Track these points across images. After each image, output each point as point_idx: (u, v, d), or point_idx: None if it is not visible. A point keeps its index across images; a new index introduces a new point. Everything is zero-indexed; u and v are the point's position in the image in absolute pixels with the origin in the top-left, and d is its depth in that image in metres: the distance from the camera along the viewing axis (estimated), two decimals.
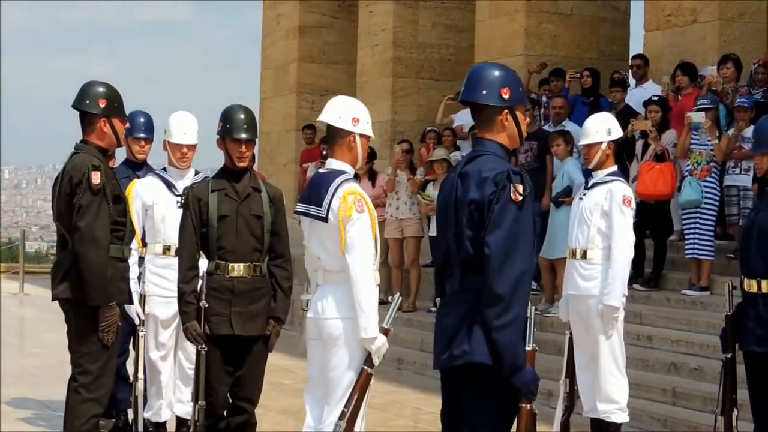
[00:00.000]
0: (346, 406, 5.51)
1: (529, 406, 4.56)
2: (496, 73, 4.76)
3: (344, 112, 5.75)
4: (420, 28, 17.88)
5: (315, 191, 5.70)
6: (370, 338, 5.53)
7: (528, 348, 4.62)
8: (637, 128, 11.64)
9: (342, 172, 5.69)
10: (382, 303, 14.31)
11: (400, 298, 5.87)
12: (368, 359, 5.58)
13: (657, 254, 11.54)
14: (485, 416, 4.60)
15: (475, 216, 4.58)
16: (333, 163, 5.74)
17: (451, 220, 4.69)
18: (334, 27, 20.58)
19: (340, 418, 5.48)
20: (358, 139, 5.73)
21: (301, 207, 5.77)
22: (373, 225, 5.67)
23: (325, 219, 5.60)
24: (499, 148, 4.76)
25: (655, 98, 12.01)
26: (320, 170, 5.87)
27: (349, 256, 5.54)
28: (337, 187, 5.60)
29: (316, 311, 5.67)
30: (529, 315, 4.66)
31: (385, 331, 5.62)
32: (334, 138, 5.75)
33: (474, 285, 4.57)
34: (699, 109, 11.27)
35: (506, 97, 4.73)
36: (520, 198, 4.55)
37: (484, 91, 4.72)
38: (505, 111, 4.75)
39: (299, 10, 20.54)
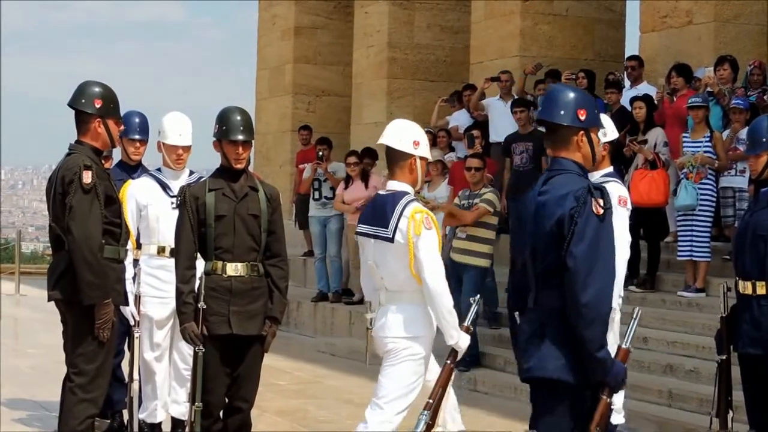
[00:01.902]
0: (431, 398, 5.77)
1: (608, 399, 4.79)
2: (573, 94, 4.94)
3: (405, 135, 6.02)
4: (415, 30, 17.88)
5: (379, 212, 5.97)
6: (456, 343, 5.92)
7: (624, 346, 4.94)
8: (636, 151, 11.61)
9: (405, 193, 5.96)
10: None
11: (481, 299, 6.30)
12: (451, 355, 5.90)
13: (651, 255, 11.55)
14: (552, 427, 4.82)
15: (555, 232, 4.75)
16: (394, 185, 6.01)
17: (529, 238, 4.88)
18: (330, 28, 20.57)
19: (426, 408, 5.73)
20: (418, 161, 6.01)
21: (363, 228, 6.06)
22: (439, 240, 5.92)
23: (391, 240, 5.87)
24: (575, 166, 4.94)
25: (639, 95, 12.04)
26: (381, 192, 6.12)
27: (423, 272, 5.82)
28: (403, 208, 5.87)
29: (382, 330, 6.02)
30: (633, 315, 5.01)
31: (466, 330, 6.01)
32: (395, 160, 6.02)
33: (547, 300, 4.80)
34: (690, 107, 11.29)
35: (582, 118, 4.91)
36: (602, 211, 4.73)
37: (562, 112, 4.90)
38: (581, 132, 4.93)
39: (294, 11, 20.54)
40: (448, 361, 5.90)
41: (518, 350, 5.02)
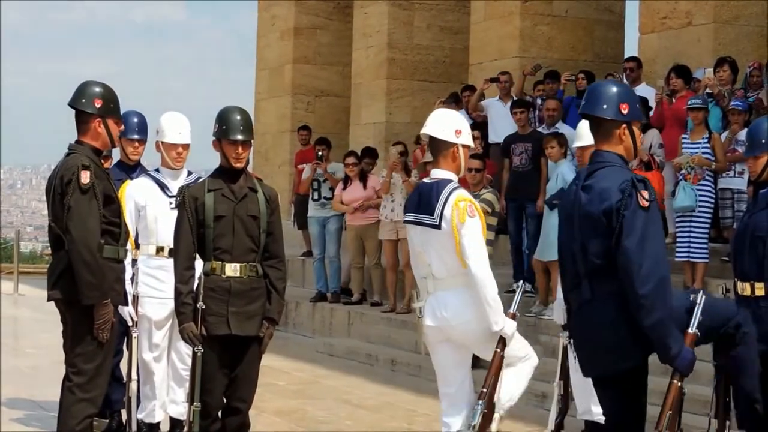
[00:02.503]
0: (484, 386, 5.95)
1: (679, 383, 5.03)
2: (616, 89, 5.15)
3: (447, 124, 6.13)
4: (415, 30, 17.90)
5: (424, 200, 6.06)
6: (502, 328, 5.99)
7: (690, 331, 5.14)
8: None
9: (449, 181, 6.04)
10: (376, 304, 14.40)
11: (524, 284, 6.41)
12: (500, 342, 6.00)
13: None
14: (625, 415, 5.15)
15: (603, 225, 4.93)
16: (438, 173, 6.11)
17: (576, 232, 5.05)
18: (329, 28, 20.58)
19: (480, 398, 5.93)
20: (461, 149, 6.10)
21: (411, 216, 6.15)
22: (484, 228, 6.02)
23: (438, 226, 5.95)
24: (618, 159, 5.11)
25: None
26: (426, 180, 6.22)
27: (468, 259, 5.90)
28: (448, 195, 5.95)
29: (435, 319, 6.10)
30: (698, 302, 5.19)
31: (512, 316, 6.12)
32: (438, 149, 6.13)
33: (606, 292, 4.99)
34: (690, 109, 11.30)
35: (625, 112, 5.10)
36: (647, 204, 4.91)
37: (605, 106, 5.10)
38: (624, 125, 5.12)
39: (294, 12, 20.55)
40: (498, 349, 6.02)
41: (582, 346, 5.22)
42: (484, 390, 5.95)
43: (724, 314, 5.61)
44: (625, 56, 14.56)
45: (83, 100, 6.40)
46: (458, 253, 5.93)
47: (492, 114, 14.33)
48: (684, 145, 11.32)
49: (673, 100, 12.30)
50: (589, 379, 7.65)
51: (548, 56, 15.36)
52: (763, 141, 6.43)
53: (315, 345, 13.97)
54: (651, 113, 12.49)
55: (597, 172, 5.06)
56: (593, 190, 4.99)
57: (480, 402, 5.92)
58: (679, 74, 12.30)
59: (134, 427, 7.73)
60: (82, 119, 6.41)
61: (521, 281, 6.60)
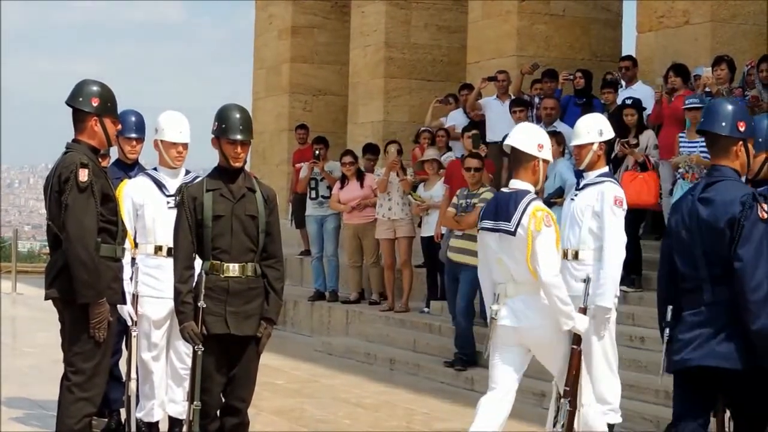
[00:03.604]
0: (566, 384, 6.32)
1: None
2: (732, 107, 5.51)
3: (531, 138, 6.49)
4: (412, 29, 17.89)
5: (502, 209, 6.40)
6: (574, 326, 6.31)
7: None
8: (628, 154, 11.63)
9: (527, 192, 6.39)
10: (374, 303, 14.40)
11: (590, 279, 6.75)
12: (576, 340, 6.35)
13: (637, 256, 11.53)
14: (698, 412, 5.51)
15: (727, 234, 5.28)
16: (517, 184, 6.47)
17: (697, 239, 5.40)
18: (327, 27, 20.58)
19: (564, 396, 6.31)
20: (541, 163, 6.48)
21: (488, 224, 6.49)
22: (557, 237, 6.38)
23: (513, 233, 6.29)
24: (734, 174, 5.48)
25: (628, 101, 12.05)
26: (505, 189, 6.60)
27: (539, 266, 6.23)
28: (527, 205, 6.29)
29: (515, 320, 6.37)
30: None
31: (582, 311, 6.46)
32: (519, 161, 6.49)
33: (724, 296, 5.31)
34: (687, 109, 11.30)
35: (742, 129, 5.48)
36: (767, 216, 5.28)
37: (723, 123, 5.46)
38: (740, 142, 5.49)
39: (291, 11, 20.55)
40: (575, 346, 6.35)
41: (675, 342, 5.47)
42: (567, 388, 6.30)
43: None
44: (623, 55, 14.54)
45: (80, 99, 6.40)
46: (528, 260, 6.26)
47: (490, 113, 14.33)
48: (681, 144, 11.33)
49: (672, 99, 12.30)
50: (589, 378, 7.67)
51: (546, 55, 15.37)
52: (760, 140, 6.44)
53: (313, 344, 13.97)
54: (649, 112, 12.51)
55: (715, 185, 5.41)
56: (714, 203, 5.34)
57: (564, 400, 6.28)
58: (678, 73, 12.30)
59: (133, 426, 7.72)
60: (79, 118, 6.41)
61: (587, 275, 6.88)
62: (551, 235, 6.29)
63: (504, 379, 6.52)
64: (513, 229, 6.29)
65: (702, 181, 5.56)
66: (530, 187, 6.44)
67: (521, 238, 6.27)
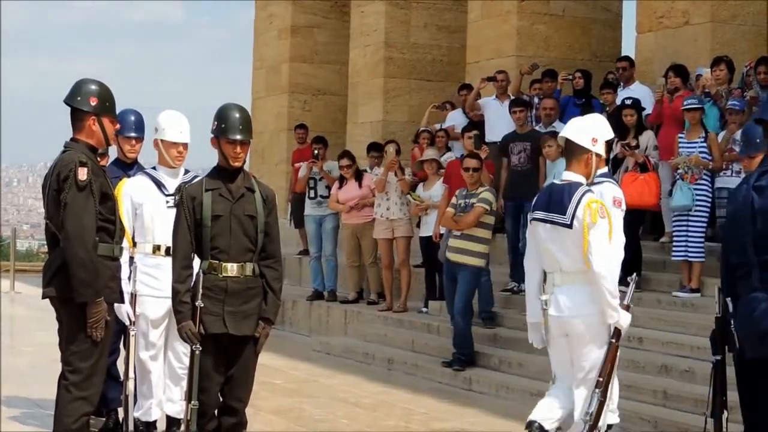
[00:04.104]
0: (600, 375, 6.40)
1: None
2: None
3: (585, 131, 6.62)
4: (412, 29, 17.88)
5: (555, 200, 6.50)
6: (617, 321, 6.42)
7: None
8: (628, 155, 11.63)
9: (580, 184, 6.50)
10: (373, 303, 14.39)
11: (637, 277, 6.85)
12: (615, 334, 6.44)
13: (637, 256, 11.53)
14: None
15: None
16: (570, 176, 6.58)
17: (748, 227, 5.49)
18: (326, 27, 20.58)
19: (597, 387, 6.37)
20: (594, 157, 6.59)
21: (539, 214, 6.59)
22: (611, 229, 6.45)
23: (570, 225, 6.38)
24: None
25: (628, 102, 12.04)
26: (557, 182, 6.69)
27: (591, 256, 6.32)
28: (581, 197, 6.39)
29: (559, 310, 6.50)
30: None
31: (626, 308, 6.51)
32: (573, 153, 6.61)
33: None
34: (686, 110, 11.31)
35: None
36: None
37: None
38: None
39: (291, 11, 20.54)
40: (613, 340, 6.44)
41: (749, 329, 5.58)
42: (600, 379, 6.38)
43: None
44: (621, 56, 14.53)
45: (78, 98, 6.39)
46: (584, 250, 6.35)
47: (489, 113, 14.33)
48: (680, 145, 11.33)
49: (674, 98, 12.29)
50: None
51: (545, 55, 15.36)
52: (758, 140, 6.45)
53: (311, 344, 13.97)
54: (648, 112, 12.50)
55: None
56: (766, 190, 5.47)
57: (596, 390, 6.36)
58: (677, 73, 12.30)
59: (131, 425, 7.70)
60: (78, 117, 6.40)
61: (635, 274, 6.96)
62: (606, 227, 6.41)
63: (560, 372, 6.68)
64: (569, 222, 6.39)
65: (756, 171, 5.65)
66: (582, 180, 6.55)
67: (576, 231, 6.37)
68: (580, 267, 6.42)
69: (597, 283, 6.37)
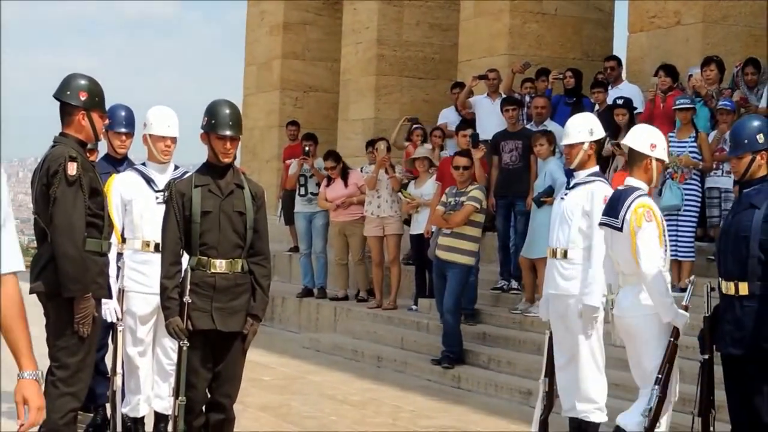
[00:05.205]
0: (660, 372, 6.57)
1: None
2: None
3: (644, 137, 6.92)
4: (404, 27, 17.88)
5: (614, 205, 6.83)
6: (671, 320, 6.58)
7: None
8: (618, 154, 11.65)
9: (637, 189, 6.79)
10: (363, 300, 14.35)
11: (695, 279, 6.99)
12: (674, 333, 6.61)
13: None
14: None
15: None
16: (631, 181, 6.89)
17: None
18: (319, 24, 20.56)
19: (656, 383, 6.56)
20: (654, 162, 6.87)
21: (603, 219, 6.94)
22: (660, 232, 6.72)
23: (620, 229, 6.70)
24: None
25: (620, 101, 12.05)
26: (620, 187, 7.01)
27: (641, 259, 6.59)
28: (631, 202, 6.68)
29: (619, 309, 6.82)
30: None
31: (685, 308, 6.67)
32: (633, 159, 6.93)
33: None
34: (677, 109, 11.32)
35: None
36: None
37: None
38: None
39: (283, 7, 20.52)
40: (671, 338, 6.60)
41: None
42: (659, 376, 6.54)
43: None
44: (611, 55, 14.54)
45: (68, 92, 6.37)
46: (633, 253, 6.62)
47: (480, 111, 14.32)
48: (671, 145, 11.33)
49: (666, 98, 12.29)
50: (573, 377, 7.68)
51: (537, 54, 15.37)
52: (746, 141, 6.45)
53: (301, 340, 13.96)
54: (640, 111, 12.50)
55: None
56: None
57: (655, 387, 6.53)
58: (668, 73, 12.31)
59: (119, 421, 7.69)
60: (67, 111, 6.38)
61: (693, 276, 7.28)
62: (652, 230, 6.64)
63: (636, 374, 6.89)
64: (620, 225, 6.69)
65: None
66: (642, 185, 6.81)
67: (626, 234, 6.66)
68: (634, 269, 6.69)
69: (648, 284, 6.62)
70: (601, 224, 6.99)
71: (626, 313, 6.78)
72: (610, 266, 7.05)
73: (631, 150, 6.93)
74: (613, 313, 6.93)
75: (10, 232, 3.99)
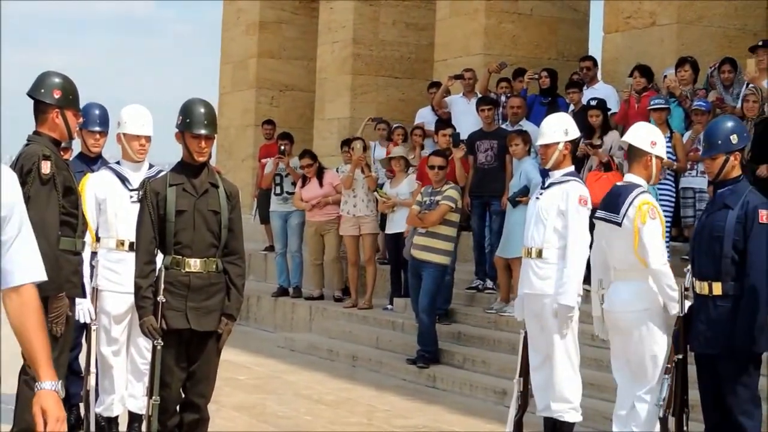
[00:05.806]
0: (669, 363, 6.66)
1: None
2: None
3: (645, 135, 7.00)
4: (380, 26, 17.87)
5: (613, 201, 6.90)
6: (677, 313, 6.66)
7: None
8: (592, 154, 11.69)
9: (637, 186, 6.87)
10: (338, 300, 14.32)
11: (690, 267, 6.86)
12: (677, 321, 6.65)
13: None
14: None
15: None
16: (631, 177, 6.98)
17: None
18: (295, 23, 20.53)
19: (666, 372, 6.66)
20: (653, 159, 6.95)
21: (601, 213, 6.99)
22: (663, 227, 6.85)
23: (619, 224, 6.77)
24: None
25: (593, 102, 12.08)
26: (618, 183, 7.11)
27: (647, 256, 6.69)
28: (634, 198, 6.76)
29: (610, 304, 6.90)
30: None
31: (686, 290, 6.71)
32: (633, 156, 7.00)
33: None
34: (652, 110, 11.36)
35: None
36: None
37: None
38: None
39: (260, 6, 20.48)
40: (676, 327, 6.66)
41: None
42: (669, 365, 6.63)
43: None
44: (587, 55, 14.58)
45: (42, 90, 6.35)
46: (635, 250, 6.70)
47: (456, 111, 14.34)
48: None
49: (641, 98, 12.34)
50: (548, 377, 7.70)
51: (513, 54, 15.39)
52: (719, 142, 6.49)
53: (276, 340, 13.94)
54: (614, 111, 12.54)
55: None
56: None
57: (666, 376, 6.63)
58: (643, 74, 12.35)
59: (92, 421, 7.66)
60: (41, 109, 6.36)
61: (690, 264, 7.19)
62: (657, 226, 6.76)
63: (615, 363, 7.06)
64: (620, 221, 6.77)
65: None
66: (642, 182, 6.92)
67: (627, 229, 6.73)
68: (630, 265, 6.78)
69: (656, 279, 6.73)
70: (598, 218, 7.02)
71: (618, 308, 6.85)
72: (603, 261, 7.09)
73: (631, 147, 7.00)
74: (603, 307, 6.98)
75: (27, 239, 3.92)
